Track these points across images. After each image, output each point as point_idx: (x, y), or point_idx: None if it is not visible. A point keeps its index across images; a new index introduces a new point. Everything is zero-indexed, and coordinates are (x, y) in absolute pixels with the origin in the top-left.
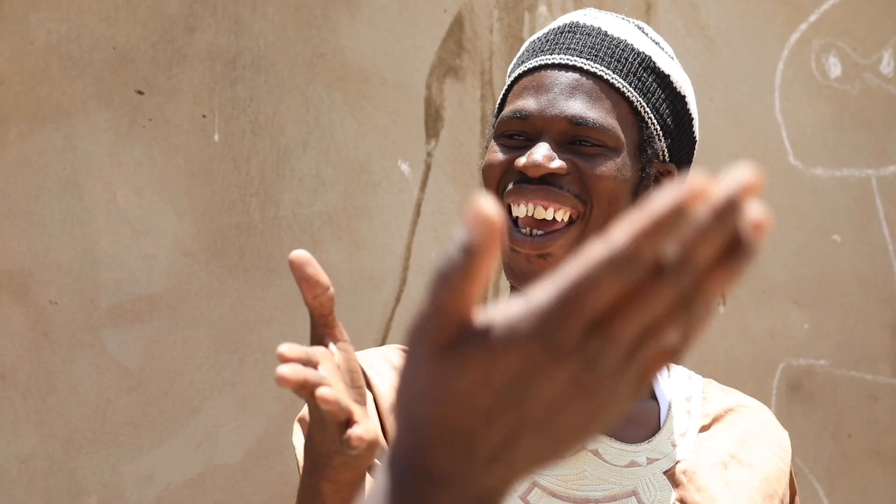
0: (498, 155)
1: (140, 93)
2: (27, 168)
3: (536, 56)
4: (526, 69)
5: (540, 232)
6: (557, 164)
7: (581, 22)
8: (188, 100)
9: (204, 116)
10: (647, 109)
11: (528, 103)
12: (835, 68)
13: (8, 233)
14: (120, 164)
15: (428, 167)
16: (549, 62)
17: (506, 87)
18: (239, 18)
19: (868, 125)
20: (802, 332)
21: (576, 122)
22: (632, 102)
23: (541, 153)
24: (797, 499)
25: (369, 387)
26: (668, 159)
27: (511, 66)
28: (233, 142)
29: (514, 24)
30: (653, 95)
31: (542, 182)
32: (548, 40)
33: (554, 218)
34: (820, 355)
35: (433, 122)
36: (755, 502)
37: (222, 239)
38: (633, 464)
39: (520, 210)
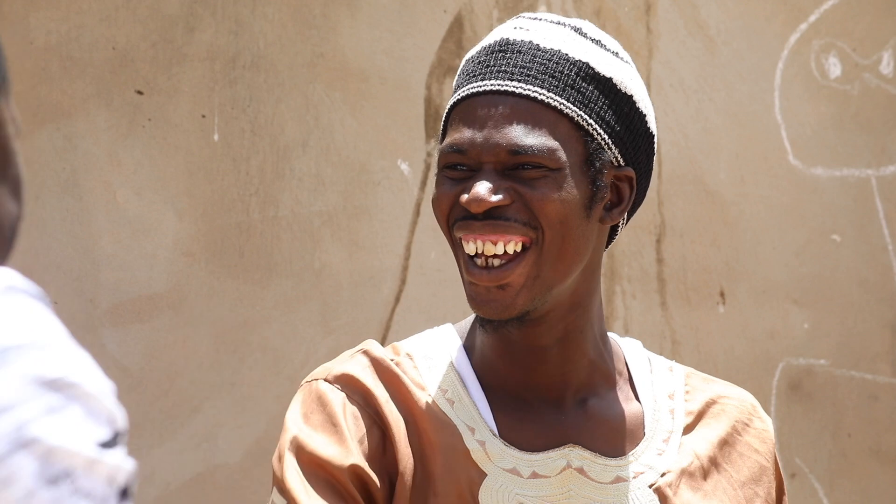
0: (444, 188)
1: (140, 93)
2: (27, 168)
3: (469, 82)
4: (459, 98)
5: (497, 262)
6: (498, 197)
7: (512, 38)
8: (188, 99)
9: (203, 116)
10: (590, 122)
11: (464, 136)
12: (835, 68)
13: None
14: (120, 163)
15: (428, 167)
16: (481, 90)
17: (445, 112)
18: (239, 18)
19: (868, 125)
20: (802, 332)
21: (513, 152)
22: (572, 118)
23: (482, 188)
24: (785, 499)
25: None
26: (622, 164)
27: (454, 83)
28: (232, 141)
29: None
30: (595, 105)
31: (488, 216)
32: (479, 63)
33: (505, 251)
34: (820, 355)
35: (433, 122)
36: None
37: (222, 239)
38: (618, 479)
39: (469, 248)
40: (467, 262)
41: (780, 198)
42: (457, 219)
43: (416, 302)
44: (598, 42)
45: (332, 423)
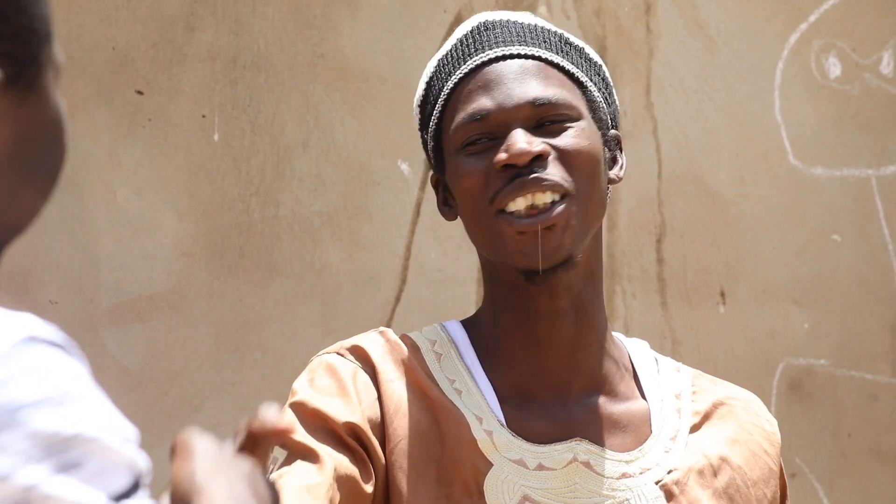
0: (471, 165)
1: (140, 93)
2: None
3: (461, 63)
4: (460, 77)
5: (540, 206)
6: (540, 146)
7: (489, 20)
8: (188, 99)
9: (204, 116)
10: (588, 80)
11: (483, 102)
12: (835, 68)
13: None
14: (120, 163)
15: (428, 167)
16: (483, 59)
17: (440, 104)
18: (239, 18)
19: (868, 125)
20: (802, 332)
21: (538, 104)
22: (574, 76)
23: (522, 139)
24: (787, 492)
25: (378, 388)
26: (611, 126)
27: (419, 94)
28: (233, 141)
29: None
30: (582, 67)
31: (530, 171)
32: (465, 46)
33: (552, 201)
34: (820, 355)
35: None
36: None
37: (222, 239)
38: (625, 475)
39: (518, 204)
40: (510, 221)
41: (780, 198)
42: (497, 190)
43: (416, 302)
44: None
45: (339, 387)
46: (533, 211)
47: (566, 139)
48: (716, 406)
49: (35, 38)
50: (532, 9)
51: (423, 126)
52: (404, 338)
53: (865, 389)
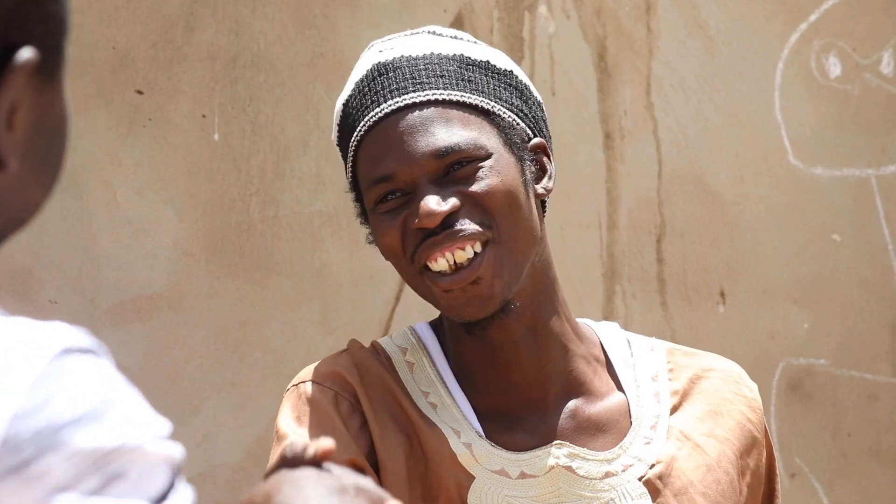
0: (386, 225)
1: (140, 92)
2: None
3: (361, 118)
4: (361, 134)
5: (462, 263)
6: (450, 203)
7: (382, 60)
8: (188, 99)
9: (204, 116)
10: (493, 104)
11: (387, 164)
12: (835, 68)
13: None
14: (120, 163)
15: None
16: (380, 115)
17: (350, 157)
18: (239, 18)
19: (868, 125)
20: (802, 332)
21: (441, 154)
22: (477, 106)
23: (431, 201)
24: (775, 468)
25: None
26: (532, 136)
27: (334, 135)
28: (233, 141)
29: (514, 24)
30: (487, 88)
31: (445, 227)
32: (363, 95)
33: (475, 252)
34: (820, 355)
35: None
36: (733, 481)
37: (222, 238)
38: (608, 474)
39: (441, 264)
40: (435, 280)
41: (780, 198)
42: (415, 247)
43: (416, 302)
44: (455, 37)
45: (326, 421)
46: (455, 267)
47: (478, 184)
48: (693, 381)
49: (60, 27)
50: (532, 9)
51: (346, 166)
52: (374, 346)
53: (865, 389)
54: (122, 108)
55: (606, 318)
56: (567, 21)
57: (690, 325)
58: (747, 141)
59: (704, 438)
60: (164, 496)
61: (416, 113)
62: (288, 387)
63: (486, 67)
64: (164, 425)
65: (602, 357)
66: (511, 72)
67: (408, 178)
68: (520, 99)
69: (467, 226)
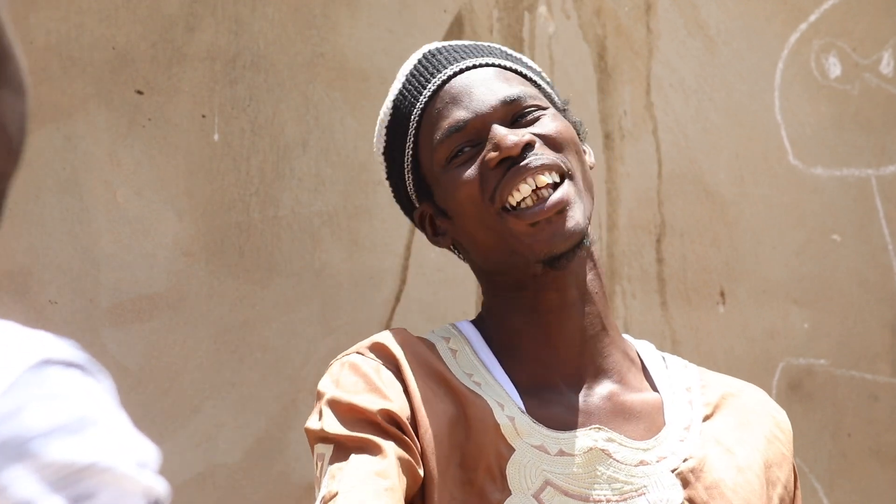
0: (462, 173)
1: (140, 92)
2: (27, 168)
3: (420, 91)
4: (424, 102)
5: (546, 192)
6: (528, 135)
7: (429, 50)
8: (188, 99)
9: (204, 116)
10: (536, 79)
11: (458, 114)
12: (835, 68)
13: (8, 232)
14: (120, 163)
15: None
16: (445, 77)
17: (411, 134)
18: (239, 18)
19: (868, 125)
20: (802, 332)
21: (508, 102)
22: (526, 76)
23: (506, 134)
24: (798, 493)
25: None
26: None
27: (381, 143)
28: (233, 141)
29: (514, 24)
30: (530, 71)
31: (523, 159)
32: (419, 76)
33: (555, 182)
34: (820, 355)
35: None
36: (763, 486)
37: (222, 238)
38: (642, 462)
39: (523, 192)
40: (521, 216)
41: (780, 198)
42: (495, 187)
43: (416, 302)
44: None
45: (366, 383)
46: (538, 199)
47: (545, 126)
48: (725, 397)
49: None
50: (532, 9)
51: (395, 169)
52: (419, 338)
53: (865, 389)
54: (122, 108)
55: (611, 310)
56: (567, 21)
57: (690, 325)
58: (747, 141)
59: (735, 445)
60: None
61: (478, 71)
62: (331, 362)
63: (522, 62)
64: (151, 454)
65: (637, 360)
66: (541, 72)
67: (479, 125)
68: (553, 90)
69: (545, 156)
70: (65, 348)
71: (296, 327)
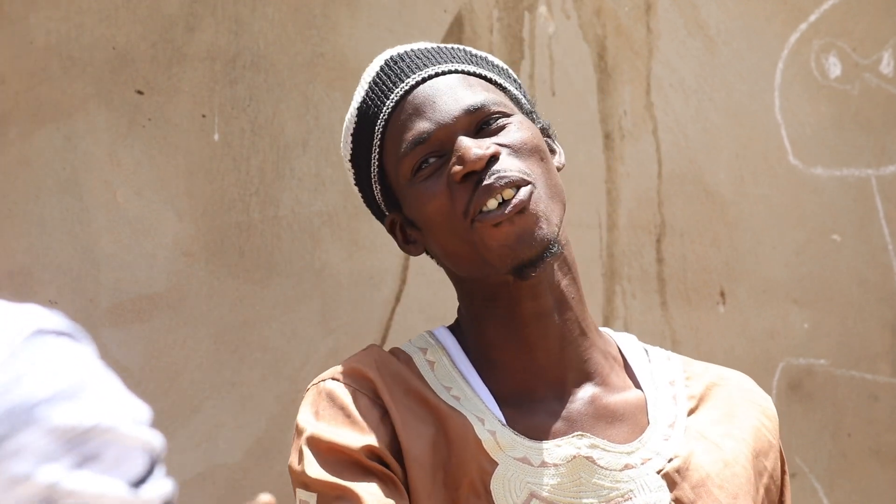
0: (429, 187)
1: (140, 92)
2: (27, 168)
3: (384, 100)
4: (388, 112)
5: (509, 195)
6: (492, 148)
7: (391, 55)
8: (188, 99)
9: (204, 116)
10: (502, 81)
11: (421, 125)
12: (835, 68)
13: (8, 232)
14: (120, 163)
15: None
16: (406, 88)
17: (377, 144)
18: (239, 18)
19: (868, 125)
20: (802, 332)
21: (472, 111)
22: (491, 79)
23: (471, 147)
24: (787, 478)
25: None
26: (534, 118)
27: (348, 150)
28: (233, 141)
29: (514, 24)
30: (493, 70)
31: (488, 172)
32: (381, 84)
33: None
34: (820, 355)
35: None
36: (750, 478)
37: (222, 238)
38: (627, 466)
39: (492, 203)
40: (484, 218)
41: (780, 198)
42: (467, 202)
43: (416, 302)
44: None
45: (344, 415)
46: (502, 200)
47: (510, 135)
48: (709, 388)
49: None
50: (532, 9)
51: (362, 176)
52: (395, 351)
53: (865, 389)
54: (122, 108)
55: (606, 318)
56: (567, 21)
57: (690, 325)
58: (747, 141)
59: (721, 438)
60: (141, 481)
61: (440, 79)
62: (308, 387)
63: (487, 61)
64: (143, 410)
65: (619, 358)
66: (507, 69)
67: (443, 136)
68: (519, 90)
69: (511, 171)
70: (54, 318)
71: (296, 327)
